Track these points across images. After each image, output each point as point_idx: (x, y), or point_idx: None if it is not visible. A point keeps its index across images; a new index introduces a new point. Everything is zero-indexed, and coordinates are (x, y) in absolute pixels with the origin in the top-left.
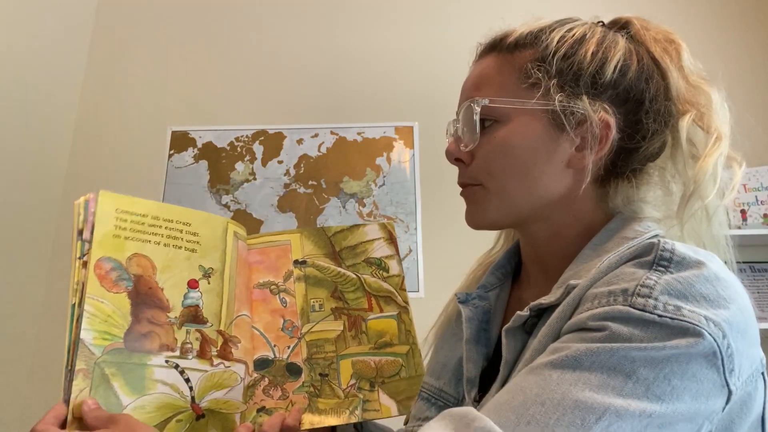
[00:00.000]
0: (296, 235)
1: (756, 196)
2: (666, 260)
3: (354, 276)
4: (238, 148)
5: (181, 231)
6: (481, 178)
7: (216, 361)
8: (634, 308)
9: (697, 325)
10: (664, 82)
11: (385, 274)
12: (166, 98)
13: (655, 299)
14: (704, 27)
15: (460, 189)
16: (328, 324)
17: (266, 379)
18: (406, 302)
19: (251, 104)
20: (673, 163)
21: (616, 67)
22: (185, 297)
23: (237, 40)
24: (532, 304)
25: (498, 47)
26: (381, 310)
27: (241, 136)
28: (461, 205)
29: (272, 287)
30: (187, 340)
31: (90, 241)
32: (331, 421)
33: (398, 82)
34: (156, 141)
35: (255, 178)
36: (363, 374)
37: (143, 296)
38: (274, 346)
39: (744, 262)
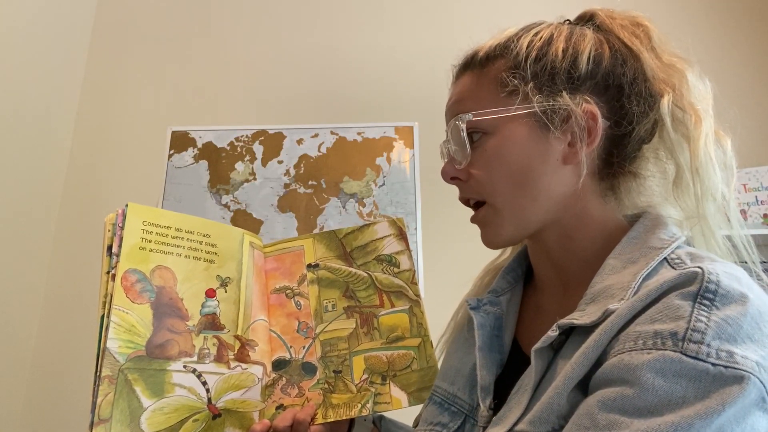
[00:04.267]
0: (309, 240)
1: (756, 196)
2: (711, 293)
3: (365, 274)
4: (238, 148)
5: (201, 243)
6: (483, 193)
7: (233, 364)
8: (686, 356)
9: (751, 373)
10: (639, 65)
11: (396, 270)
12: (166, 98)
13: (708, 345)
14: (704, 26)
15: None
16: (341, 323)
17: (284, 378)
18: (418, 295)
19: (251, 104)
20: (664, 146)
21: (588, 58)
22: (203, 306)
23: (237, 40)
24: (562, 323)
25: (471, 65)
26: (392, 306)
27: (241, 136)
28: (461, 205)
29: (287, 292)
30: (205, 346)
31: (118, 255)
32: (344, 414)
33: (398, 82)
34: (156, 141)
35: (255, 178)
36: (375, 369)
37: (164, 306)
38: (290, 347)
39: (744, 262)
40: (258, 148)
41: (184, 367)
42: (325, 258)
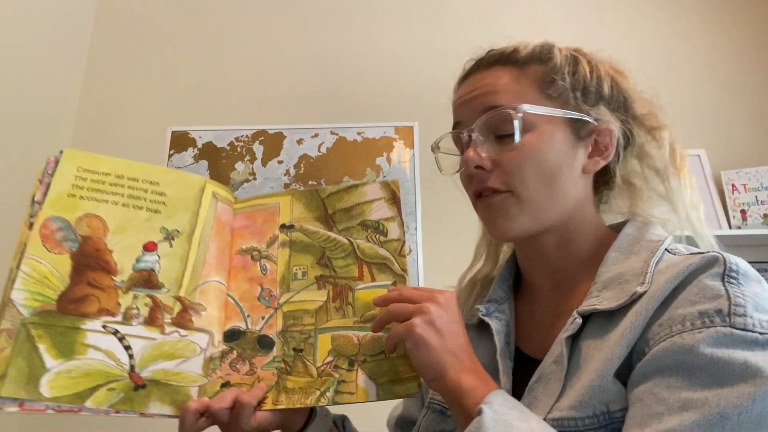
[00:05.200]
0: (287, 198)
1: (756, 196)
2: (735, 272)
3: (345, 241)
4: (238, 148)
5: (146, 191)
6: (511, 183)
7: (169, 329)
8: (735, 329)
9: None
10: (625, 94)
11: (382, 239)
12: (166, 98)
13: (751, 317)
14: (703, 27)
15: (475, 198)
16: (310, 293)
17: (235, 351)
18: (404, 270)
19: (251, 104)
20: (646, 165)
21: (610, 81)
22: (138, 260)
23: (237, 39)
24: (583, 309)
25: (507, 61)
26: (373, 279)
27: (241, 136)
28: (461, 205)
29: (254, 253)
30: (134, 306)
31: (41, 203)
32: (297, 401)
33: (398, 82)
34: (156, 141)
35: (255, 178)
36: (342, 350)
37: (88, 258)
38: (248, 316)
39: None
40: (258, 148)
41: (104, 327)
42: (303, 219)
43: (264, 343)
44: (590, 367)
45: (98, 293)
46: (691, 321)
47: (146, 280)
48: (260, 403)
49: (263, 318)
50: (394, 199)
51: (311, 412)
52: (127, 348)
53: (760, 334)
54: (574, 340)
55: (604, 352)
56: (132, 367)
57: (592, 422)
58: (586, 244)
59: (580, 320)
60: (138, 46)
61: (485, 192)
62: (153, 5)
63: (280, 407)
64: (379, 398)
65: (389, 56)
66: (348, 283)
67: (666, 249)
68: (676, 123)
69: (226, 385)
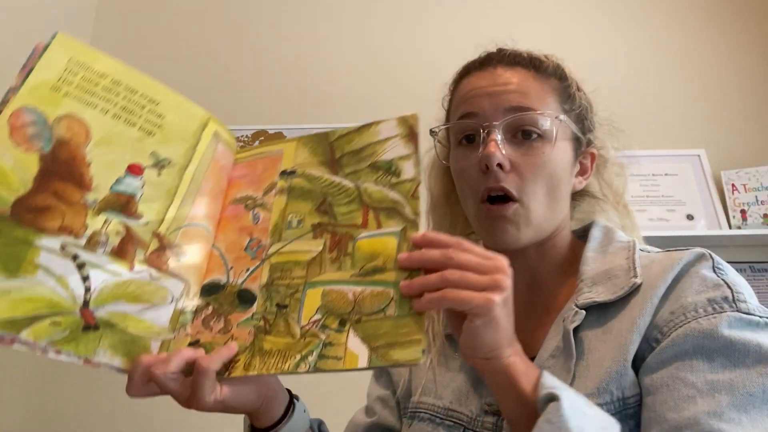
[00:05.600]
0: (292, 144)
1: (756, 196)
2: (720, 264)
3: (350, 185)
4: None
5: (143, 107)
6: (521, 190)
7: (139, 267)
8: (742, 313)
9: None
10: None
11: (394, 180)
12: None
13: (749, 303)
14: (703, 27)
15: (482, 201)
16: (304, 243)
17: (210, 307)
18: (417, 213)
19: (251, 104)
20: (601, 180)
21: (594, 110)
22: (119, 181)
23: (237, 39)
24: (582, 302)
25: (530, 65)
26: (379, 226)
27: (241, 137)
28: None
29: (248, 202)
30: (103, 232)
31: (17, 89)
32: (272, 367)
33: (398, 82)
34: None
35: None
36: (334, 308)
37: (59, 165)
38: (231, 268)
39: (744, 262)
40: None
41: (62, 248)
42: (306, 164)
43: (244, 298)
44: (599, 355)
45: (64, 207)
46: (703, 308)
47: (123, 205)
48: (228, 369)
49: (247, 270)
50: (411, 135)
51: (290, 406)
52: (85, 279)
53: (760, 317)
54: (574, 332)
55: (614, 341)
56: (86, 302)
57: (608, 408)
58: (563, 251)
59: (583, 312)
60: (137, 46)
61: (495, 193)
62: (152, 5)
63: (251, 373)
64: (372, 364)
65: (390, 56)
66: (349, 231)
67: (641, 248)
68: (676, 123)
69: (195, 343)
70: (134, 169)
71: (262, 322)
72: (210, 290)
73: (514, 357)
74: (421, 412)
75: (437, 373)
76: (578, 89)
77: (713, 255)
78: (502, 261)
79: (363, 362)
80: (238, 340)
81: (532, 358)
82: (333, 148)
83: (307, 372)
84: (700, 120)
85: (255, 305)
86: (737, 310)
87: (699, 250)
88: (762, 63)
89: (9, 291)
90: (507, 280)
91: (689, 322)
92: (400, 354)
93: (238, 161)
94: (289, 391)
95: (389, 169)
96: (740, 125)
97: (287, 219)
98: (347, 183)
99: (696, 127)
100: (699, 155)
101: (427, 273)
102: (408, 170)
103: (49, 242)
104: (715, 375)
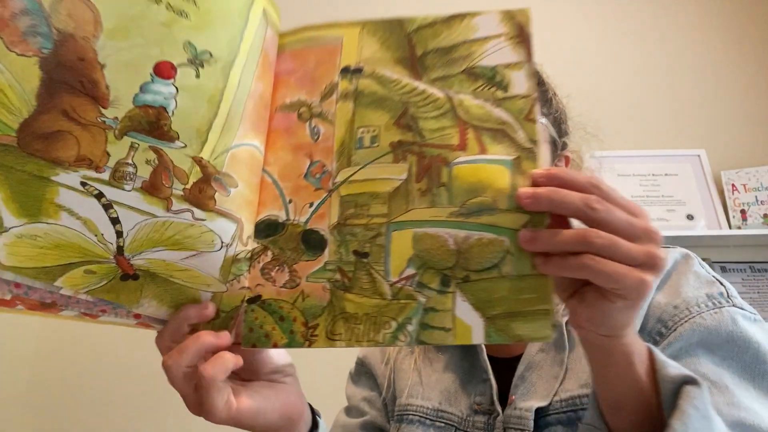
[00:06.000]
0: (354, 30)
1: (756, 196)
2: (702, 263)
3: (441, 94)
4: None
5: None
6: None
7: (178, 205)
8: (737, 307)
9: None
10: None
11: (500, 94)
12: None
13: (738, 298)
14: (703, 27)
15: None
16: (382, 168)
17: (269, 252)
18: (534, 141)
19: None
20: None
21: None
22: (143, 89)
23: None
24: None
25: None
26: (483, 151)
27: None
28: None
29: (302, 110)
30: (129, 161)
31: None
32: (362, 336)
33: None
34: None
35: None
36: (431, 260)
37: (66, 70)
38: (290, 201)
39: (744, 262)
40: None
41: (83, 185)
42: (376, 60)
43: (311, 242)
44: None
45: (77, 131)
46: (704, 303)
47: (152, 122)
48: (306, 337)
49: (311, 205)
50: (522, 37)
51: (315, 422)
52: (114, 222)
53: (750, 312)
54: (564, 325)
55: None
56: (120, 248)
57: None
58: None
59: None
60: None
61: None
62: None
63: (339, 344)
64: (490, 340)
65: None
66: (442, 154)
67: None
68: (676, 123)
69: (255, 300)
70: (163, 70)
71: (338, 275)
72: (266, 229)
73: (634, 335)
74: (409, 414)
75: (423, 374)
76: (554, 94)
77: (695, 255)
78: (653, 224)
79: (478, 337)
80: (311, 298)
81: (521, 354)
82: (412, 42)
83: (408, 344)
84: (700, 120)
85: (326, 252)
86: (734, 305)
87: (683, 249)
88: (762, 63)
89: (35, 237)
90: (662, 254)
91: (694, 317)
92: (525, 328)
93: (284, 48)
94: (311, 409)
95: (493, 78)
96: (740, 125)
97: (357, 135)
98: (435, 91)
99: (696, 127)
100: (699, 155)
101: (553, 222)
102: (519, 83)
103: (68, 178)
104: (723, 367)
